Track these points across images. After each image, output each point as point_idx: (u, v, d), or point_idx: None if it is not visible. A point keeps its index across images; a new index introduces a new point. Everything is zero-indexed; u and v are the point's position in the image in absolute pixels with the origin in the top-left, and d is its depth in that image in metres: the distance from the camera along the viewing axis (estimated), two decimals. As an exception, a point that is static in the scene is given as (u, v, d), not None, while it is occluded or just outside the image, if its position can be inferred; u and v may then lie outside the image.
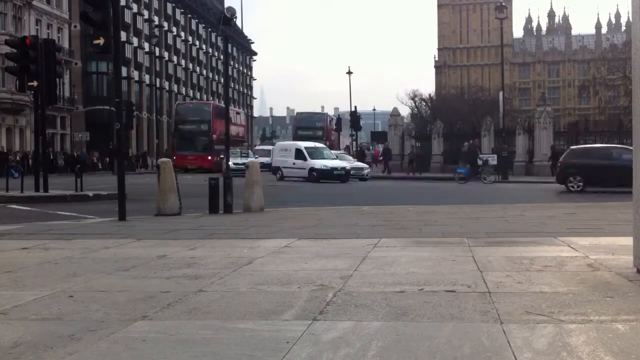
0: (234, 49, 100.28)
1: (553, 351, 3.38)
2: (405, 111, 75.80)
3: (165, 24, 78.26)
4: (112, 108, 32.48)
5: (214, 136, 46.30)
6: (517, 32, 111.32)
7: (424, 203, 16.56)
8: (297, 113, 64.45)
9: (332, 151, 37.23)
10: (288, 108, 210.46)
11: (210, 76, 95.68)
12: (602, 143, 39.80)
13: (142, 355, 3.46)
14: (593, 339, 3.58)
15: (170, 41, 79.27)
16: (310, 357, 3.36)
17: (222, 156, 38.66)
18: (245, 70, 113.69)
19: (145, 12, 73.71)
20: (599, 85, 67.81)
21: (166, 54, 77.52)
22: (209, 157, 44.70)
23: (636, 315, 4.10)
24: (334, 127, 57.69)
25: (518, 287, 4.99)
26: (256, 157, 40.65)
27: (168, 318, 4.23)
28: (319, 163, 32.17)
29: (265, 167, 33.61)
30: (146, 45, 70.23)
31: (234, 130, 47.66)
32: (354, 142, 51.38)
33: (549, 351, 3.38)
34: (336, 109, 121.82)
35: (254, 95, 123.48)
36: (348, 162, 35.27)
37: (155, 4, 76.73)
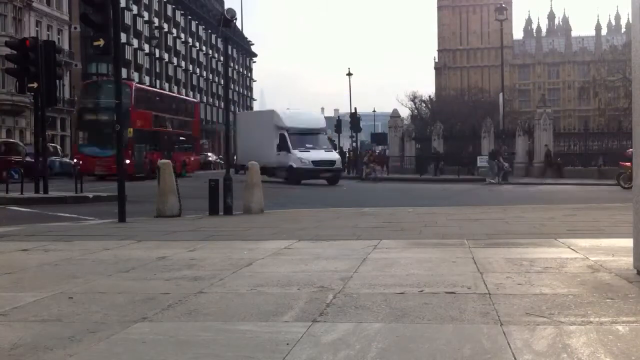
0: (234, 50, 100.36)
1: (553, 353, 3.37)
2: (405, 113, 75.83)
3: (165, 26, 78.37)
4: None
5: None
6: (517, 33, 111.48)
7: (424, 205, 16.57)
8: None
9: None
10: (288, 110, 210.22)
11: (210, 78, 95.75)
12: (601, 145, 39.96)
13: (142, 357, 3.45)
14: (593, 340, 3.58)
15: (170, 43, 79.37)
16: (310, 359, 3.35)
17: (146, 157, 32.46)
18: (245, 72, 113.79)
19: (145, 14, 73.82)
20: (598, 87, 67.93)
21: (166, 56, 77.62)
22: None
23: (636, 317, 4.10)
24: None
25: (518, 289, 4.99)
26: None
27: (168, 319, 4.23)
28: None
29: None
30: (146, 47, 70.32)
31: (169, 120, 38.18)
32: (354, 144, 51.25)
33: (549, 353, 3.38)
34: (336, 110, 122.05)
35: (254, 96, 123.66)
36: None
37: (155, 6, 76.84)
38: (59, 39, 52.79)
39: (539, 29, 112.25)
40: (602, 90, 67.86)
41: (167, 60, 77.75)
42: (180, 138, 39.58)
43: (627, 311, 4.25)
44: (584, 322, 3.96)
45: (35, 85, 18.16)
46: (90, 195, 18.91)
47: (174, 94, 50.23)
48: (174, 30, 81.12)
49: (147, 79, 70.44)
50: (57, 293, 5.08)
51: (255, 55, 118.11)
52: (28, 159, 27.32)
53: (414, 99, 79.37)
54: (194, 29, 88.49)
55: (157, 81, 71.90)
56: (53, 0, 54.91)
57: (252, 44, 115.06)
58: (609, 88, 66.32)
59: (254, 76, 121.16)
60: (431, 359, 3.33)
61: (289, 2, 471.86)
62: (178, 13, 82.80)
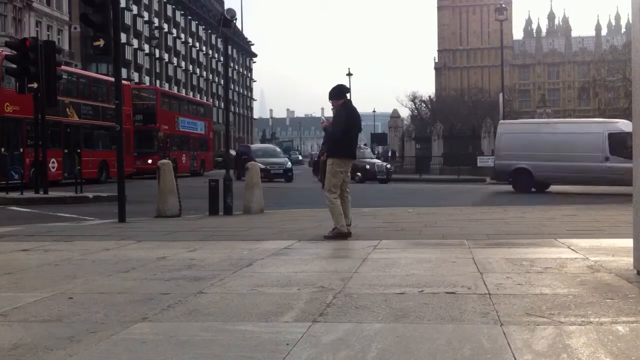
0: (234, 50, 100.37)
1: (553, 353, 3.37)
2: (405, 113, 75.92)
3: (165, 26, 78.39)
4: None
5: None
6: (517, 34, 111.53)
7: (424, 205, 16.56)
8: None
9: None
10: (288, 110, 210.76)
11: (210, 78, 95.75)
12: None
13: (142, 357, 3.45)
14: (593, 340, 3.58)
15: (170, 43, 79.38)
16: (310, 359, 3.35)
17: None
18: (245, 72, 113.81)
19: (145, 14, 73.83)
20: (598, 87, 67.90)
21: (166, 56, 77.63)
22: None
23: (636, 317, 4.10)
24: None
25: (518, 289, 4.99)
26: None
27: (168, 320, 4.23)
28: None
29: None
30: (146, 47, 70.34)
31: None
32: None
33: (549, 353, 3.38)
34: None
35: (254, 97, 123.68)
36: None
37: (155, 6, 76.85)
38: (59, 39, 52.77)
39: (539, 29, 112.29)
40: (602, 90, 67.84)
41: (167, 60, 77.76)
42: (97, 131, 30.41)
43: (627, 311, 4.25)
44: (584, 322, 3.96)
45: (35, 85, 18.16)
46: (90, 195, 18.92)
47: (83, 72, 37.07)
48: (174, 31, 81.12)
49: (147, 79, 70.46)
50: (57, 293, 5.08)
51: (255, 55, 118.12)
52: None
53: (414, 99, 79.35)
54: (194, 29, 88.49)
55: (157, 81, 71.94)
56: (53, 1, 54.91)
57: (252, 44, 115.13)
58: (609, 88, 66.27)
59: (254, 76, 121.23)
60: (431, 359, 3.33)
61: (289, 2, 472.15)
62: (178, 13, 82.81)
